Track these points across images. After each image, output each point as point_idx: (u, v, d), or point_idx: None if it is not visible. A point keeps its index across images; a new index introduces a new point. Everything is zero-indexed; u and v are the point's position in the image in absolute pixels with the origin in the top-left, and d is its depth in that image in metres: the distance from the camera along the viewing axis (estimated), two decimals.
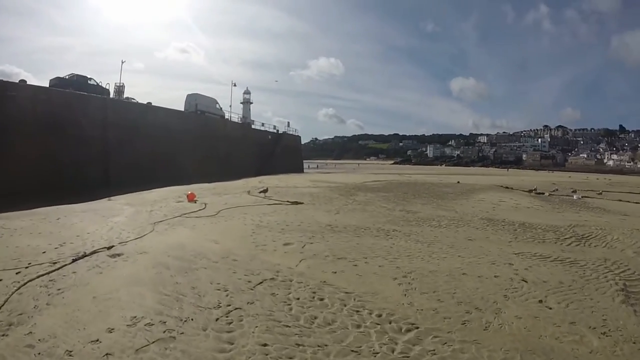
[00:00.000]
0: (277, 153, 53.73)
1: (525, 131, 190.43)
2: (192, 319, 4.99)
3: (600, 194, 25.28)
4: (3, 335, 4.57)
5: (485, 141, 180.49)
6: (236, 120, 49.96)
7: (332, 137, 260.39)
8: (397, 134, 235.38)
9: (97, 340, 4.44)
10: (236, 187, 23.17)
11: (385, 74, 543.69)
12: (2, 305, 5.36)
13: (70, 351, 4.22)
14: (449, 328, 4.95)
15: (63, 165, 24.67)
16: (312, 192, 19.98)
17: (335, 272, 7.01)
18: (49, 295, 5.78)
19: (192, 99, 42.94)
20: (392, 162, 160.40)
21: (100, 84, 32.92)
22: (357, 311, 5.37)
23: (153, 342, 4.42)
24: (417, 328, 4.92)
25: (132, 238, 9.60)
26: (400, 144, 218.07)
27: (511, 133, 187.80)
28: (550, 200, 20.97)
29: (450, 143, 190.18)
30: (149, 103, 36.16)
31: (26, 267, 7.01)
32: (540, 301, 5.94)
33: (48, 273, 6.71)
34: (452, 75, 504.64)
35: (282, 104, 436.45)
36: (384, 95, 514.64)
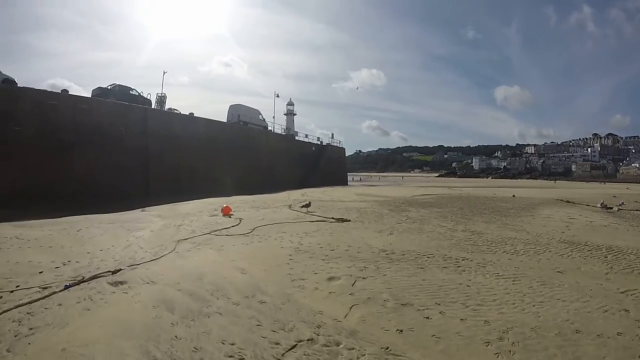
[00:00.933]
0: (320, 165, 51.91)
1: (573, 140, 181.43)
2: None
3: None
4: None
5: (533, 152, 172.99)
6: (279, 131, 48.53)
7: (376, 149, 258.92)
8: (441, 146, 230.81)
9: None
10: (277, 200, 21.38)
11: (426, 83, 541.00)
12: None
13: None
14: None
15: (102, 174, 24.14)
16: (359, 208, 17.89)
17: (402, 331, 4.81)
18: (15, 336, 4.43)
19: (235, 110, 41.94)
20: (437, 174, 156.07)
21: (141, 94, 32.39)
22: None
23: None
24: None
25: (146, 260, 8.08)
26: (445, 155, 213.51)
27: (559, 143, 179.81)
28: (623, 216, 18.26)
29: (496, 154, 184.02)
30: (191, 114, 35.30)
31: (11, 292, 5.88)
32: None
33: (30, 302, 5.43)
34: (494, 83, 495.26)
35: (324, 116, 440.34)
36: (427, 105, 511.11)
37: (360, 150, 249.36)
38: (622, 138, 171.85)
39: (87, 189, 22.51)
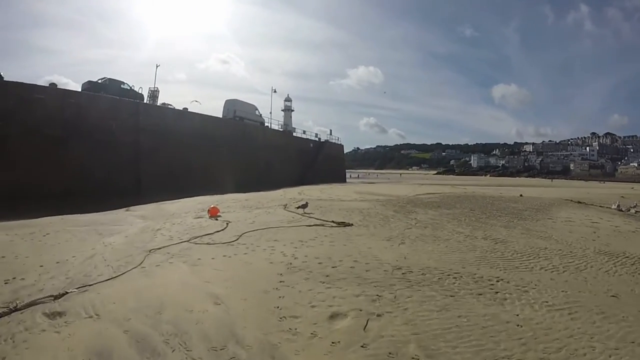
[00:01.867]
0: (318, 162, 50.35)
1: (572, 139, 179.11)
2: None
3: None
4: None
5: (531, 150, 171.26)
6: (276, 127, 46.79)
7: (374, 146, 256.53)
8: (439, 144, 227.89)
9: None
10: (272, 199, 19.58)
11: (425, 81, 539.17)
12: None
13: None
14: None
15: (91, 170, 23.46)
16: (361, 208, 16.07)
17: None
18: None
19: (231, 105, 40.56)
20: (435, 172, 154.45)
21: (133, 87, 31.23)
22: None
23: None
24: None
25: (103, 278, 6.53)
26: (443, 153, 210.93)
27: (557, 142, 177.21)
28: None
29: (494, 152, 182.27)
30: (185, 109, 33.84)
31: None
32: None
33: None
34: (493, 81, 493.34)
35: (322, 113, 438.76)
36: (425, 103, 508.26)
37: (358, 148, 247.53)
38: (620, 137, 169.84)
39: (75, 187, 21.74)
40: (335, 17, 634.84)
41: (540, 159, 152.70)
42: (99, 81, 29.47)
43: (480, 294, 6.05)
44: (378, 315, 4.93)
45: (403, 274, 6.84)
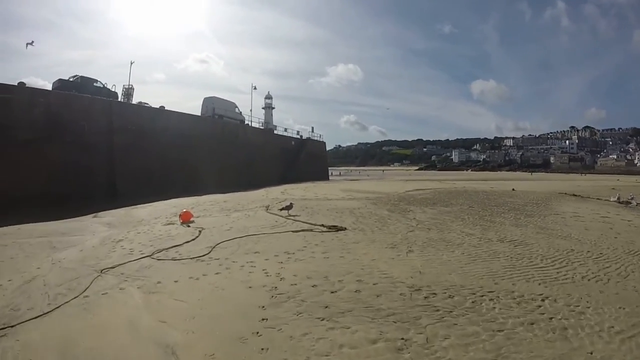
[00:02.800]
0: (301, 160, 48.46)
1: (551, 133, 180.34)
2: None
3: None
4: None
5: (512, 144, 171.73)
6: (257, 125, 44.89)
7: (356, 143, 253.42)
8: (420, 139, 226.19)
9: None
10: (253, 200, 17.85)
11: (405, 78, 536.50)
12: None
13: None
14: None
15: (61, 174, 21.43)
16: (351, 208, 14.45)
17: None
18: None
19: (209, 103, 38.56)
20: (417, 168, 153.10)
21: (106, 85, 29.20)
22: None
23: None
24: None
25: (31, 315, 5.00)
26: (424, 149, 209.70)
27: (537, 135, 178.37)
28: None
29: (475, 147, 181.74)
30: (162, 107, 31.76)
31: None
32: None
33: None
34: (472, 77, 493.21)
35: (303, 111, 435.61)
36: (405, 100, 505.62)
37: (339, 145, 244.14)
38: (599, 131, 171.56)
39: (44, 192, 19.66)
40: (315, 16, 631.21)
41: (520, 153, 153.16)
42: (71, 79, 27.51)
43: (533, 323, 4.52)
44: None
45: (425, 297, 5.20)
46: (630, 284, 6.18)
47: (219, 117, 37.78)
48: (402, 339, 3.97)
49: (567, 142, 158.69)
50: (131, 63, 35.35)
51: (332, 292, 5.33)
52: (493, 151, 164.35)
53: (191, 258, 7.43)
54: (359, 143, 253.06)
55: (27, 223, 12.58)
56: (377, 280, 5.88)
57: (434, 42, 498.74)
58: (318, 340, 3.94)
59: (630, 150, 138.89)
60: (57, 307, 5.16)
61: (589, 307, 5.05)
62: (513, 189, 26.23)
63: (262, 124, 47.04)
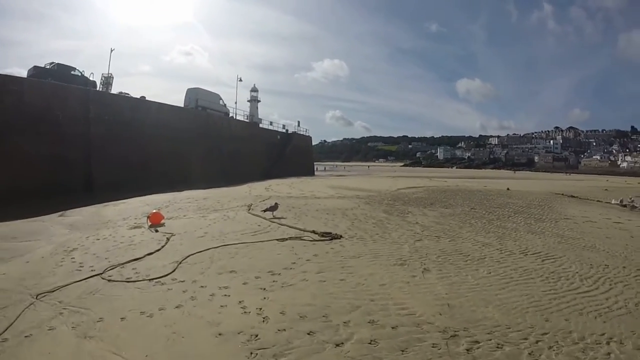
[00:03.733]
0: (286, 155, 46.78)
1: (536, 132, 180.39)
2: None
3: None
4: None
5: (496, 143, 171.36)
6: (242, 118, 43.04)
7: (341, 139, 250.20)
8: (405, 136, 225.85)
9: None
10: (235, 198, 16.22)
11: (391, 75, 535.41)
12: None
13: None
14: None
15: (33, 167, 19.57)
16: (343, 209, 12.92)
17: None
18: None
19: (192, 94, 36.51)
20: (402, 164, 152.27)
21: (83, 73, 27.02)
22: None
23: None
24: None
25: None
26: (410, 145, 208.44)
27: (522, 135, 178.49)
28: None
29: (460, 145, 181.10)
30: (142, 97, 29.92)
31: None
32: None
33: None
34: (457, 76, 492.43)
35: (288, 106, 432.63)
36: (391, 97, 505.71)
37: (325, 140, 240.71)
38: (583, 131, 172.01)
39: (13, 186, 18.02)
40: (304, 11, 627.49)
41: (505, 152, 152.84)
42: (46, 66, 25.61)
43: None
44: None
45: (468, 351, 3.65)
46: None
47: (202, 109, 35.85)
48: None
49: (552, 142, 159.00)
50: (111, 50, 33.19)
51: (336, 345, 3.71)
52: (478, 149, 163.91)
53: (149, 279, 5.78)
54: (344, 138, 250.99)
55: None
56: (396, 319, 4.29)
57: (421, 40, 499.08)
58: None
59: (614, 151, 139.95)
60: None
61: None
62: (508, 189, 24.97)
63: (247, 117, 45.22)
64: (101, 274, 6.14)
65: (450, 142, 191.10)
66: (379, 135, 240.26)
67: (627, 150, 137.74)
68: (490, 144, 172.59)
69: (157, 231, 9.21)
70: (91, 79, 27.63)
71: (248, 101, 48.36)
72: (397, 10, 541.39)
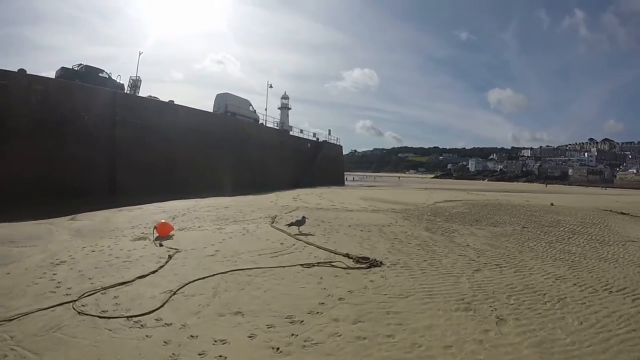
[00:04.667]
0: (316, 163, 45.48)
1: (570, 145, 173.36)
2: None
3: None
4: None
5: (529, 155, 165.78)
6: (272, 125, 41.88)
7: (371, 149, 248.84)
8: (437, 147, 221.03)
9: None
10: (259, 207, 14.74)
11: (421, 85, 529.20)
12: None
13: None
14: None
15: (58, 167, 19.65)
16: (379, 225, 11.21)
17: None
18: None
19: (222, 100, 35.82)
20: (433, 176, 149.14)
21: (110, 75, 26.71)
22: None
23: None
24: None
25: None
26: (440, 157, 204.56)
27: (555, 147, 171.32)
28: None
29: (492, 157, 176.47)
30: (171, 101, 29.23)
31: None
32: None
33: None
34: (489, 85, 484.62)
35: (319, 115, 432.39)
36: (421, 106, 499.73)
37: (355, 150, 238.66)
38: (618, 144, 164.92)
39: (38, 186, 18.09)
40: (334, 19, 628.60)
41: (538, 164, 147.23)
42: (74, 68, 25.26)
43: None
44: None
45: None
46: None
47: (231, 115, 35.04)
48: None
49: (586, 154, 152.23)
50: (140, 53, 32.99)
51: None
52: (510, 161, 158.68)
53: (127, 317, 4.25)
54: (374, 149, 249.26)
55: None
56: None
57: (451, 49, 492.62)
58: None
59: None
60: None
61: None
62: (552, 204, 22.72)
63: (278, 124, 44.04)
64: (75, 301, 4.78)
65: (482, 153, 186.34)
66: (409, 146, 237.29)
67: None
68: (523, 156, 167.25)
69: (161, 245, 7.77)
70: (119, 81, 27.30)
71: (278, 108, 47.50)
72: (427, 18, 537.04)
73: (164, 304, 4.65)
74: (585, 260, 8.11)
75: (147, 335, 3.84)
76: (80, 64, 25.70)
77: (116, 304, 4.70)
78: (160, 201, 16.29)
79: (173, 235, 8.80)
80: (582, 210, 20.01)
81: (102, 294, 5.04)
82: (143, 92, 29.44)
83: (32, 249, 7.88)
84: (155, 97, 29.05)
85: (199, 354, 3.48)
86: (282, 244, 8.09)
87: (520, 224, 13.48)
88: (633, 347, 3.93)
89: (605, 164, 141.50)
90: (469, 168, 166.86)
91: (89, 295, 4.96)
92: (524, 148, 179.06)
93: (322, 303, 4.74)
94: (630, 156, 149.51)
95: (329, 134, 53.01)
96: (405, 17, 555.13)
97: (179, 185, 23.79)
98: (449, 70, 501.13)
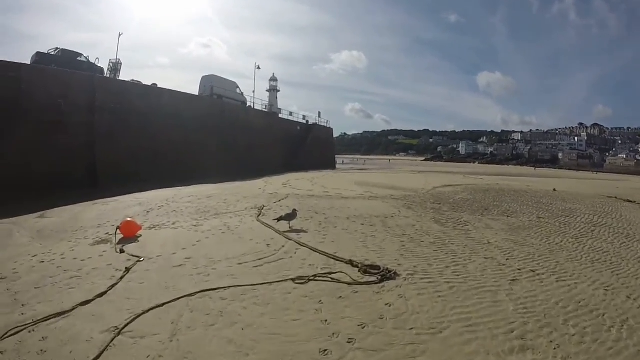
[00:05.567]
0: (306, 146, 43.90)
1: (560, 129, 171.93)
2: None
3: None
4: None
5: (519, 138, 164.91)
6: (260, 108, 40.22)
7: (361, 132, 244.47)
8: (427, 130, 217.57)
9: None
10: (246, 196, 13.31)
11: (410, 67, 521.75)
12: None
13: None
14: None
15: (33, 158, 18.24)
16: (381, 215, 9.84)
17: None
18: None
19: (207, 82, 33.98)
20: (423, 158, 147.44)
21: (88, 58, 25.19)
22: None
23: None
24: None
25: None
26: (431, 140, 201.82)
27: (545, 131, 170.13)
28: None
29: (482, 140, 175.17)
30: (154, 84, 27.98)
31: None
32: None
33: None
34: (478, 69, 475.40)
35: (307, 98, 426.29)
36: (410, 89, 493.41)
37: (345, 133, 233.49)
38: (608, 129, 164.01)
39: (11, 180, 16.53)
40: (321, 1, 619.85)
41: (528, 148, 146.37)
42: (50, 52, 23.85)
43: None
44: None
45: None
46: None
47: (217, 97, 33.30)
48: None
49: (576, 138, 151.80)
50: (119, 35, 31.18)
51: None
52: (501, 144, 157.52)
53: None
54: (364, 131, 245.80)
55: None
56: None
57: (440, 32, 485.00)
58: None
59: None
60: None
61: None
62: (554, 190, 21.52)
63: (266, 106, 42.36)
64: None
65: (472, 136, 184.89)
66: (399, 129, 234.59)
67: None
68: (514, 139, 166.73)
69: (122, 252, 6.31)
70: (98, 65, 25.72)
71: (267, 91, 45.78)
72: (416, 0, 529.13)
73: (101, 354, 3.22)
74: (624, 262, 6.83)
75: None
76: (57, 48, 24.22)
77: (41, 350, 3.30)
78: (142, 191, 14.96)
79: (140, 236, 7.35)
80: (587, 197, 18.83)
81: (29, 331, 3.63)
82: (128, 78, 27.66)
83: None
84: (138, 82, 27.44)
85: None
86: (268, 245, 6.64)
87: (532, 213, 12.26)
88: None
89: (595, 149, 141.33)
90: (459, 151, 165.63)
91: (11, 334, 3.56)
92: (514, 131, 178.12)
93: (325, 351, 3.28)
94: (619, 141, 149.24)
95: (319, 116, 51.36)
96: None
97: (164, 172, 22.28)
98: (437, 53, 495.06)
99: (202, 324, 3.74)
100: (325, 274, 5.16)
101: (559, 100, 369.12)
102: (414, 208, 11.65)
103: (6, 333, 3.59)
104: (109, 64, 27.99)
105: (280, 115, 43.53)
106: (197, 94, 32.99)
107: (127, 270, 5.29)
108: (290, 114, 46.17)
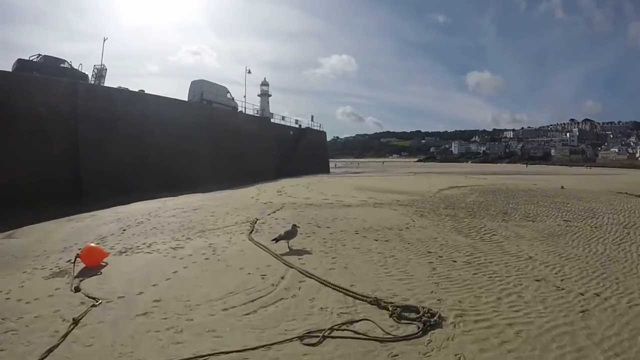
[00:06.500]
0: (300, 151, 42.72)
1: (551, 125, 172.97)
2: None
3: None
4: None
5: (511, 136, 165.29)
6: (252, 113, 38.98)
7: (354, 135, 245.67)
8: (419, 131, 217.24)
9: None
10: (236, 208, 11.93)
11: (400, 70, 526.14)
12: None
13: None
14: None
15: (12, 169, 17.26)
16: (393, 226, 8.52)
17: None
18: None
19: (197, 87, 32.81)
20: (416, 159, 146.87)
21: (71, 64, 24.04)
22: None
23: None
24: None
25: None
26: (423, 140, 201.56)
27: (537, 128, 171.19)
28: None
29: (474, 139, 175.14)
30: (141, 91, 26.66)
31: None
32: None
33: None
34: (467, 69, 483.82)
35: (298, 103, 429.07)
36: (400, 91, 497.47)
37: (337, 137, 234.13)
38: (599, 124, 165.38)
39: None
40: (310, 6, 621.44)
41: (521, 145, 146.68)
42: (33, 59, 22.70)
43: None
44: None
45: None
46: None
47: (207, 103, 32.19)
48: None
49: (568, 134, 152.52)
50: (104, 40, 29.55)
51: None
52: (493, 143, 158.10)
53: None
54: (357, 134, 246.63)
55: None
56: None
57: (428, 33, 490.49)
58: None
59: (631, 143, 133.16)
60: None
61: None
62: (562, 187, 20.38)
63: (258, 111, 41.03)
64: None
65: (464, 136, 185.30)
66: (391, 131, 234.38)
67: None
68: (506, 137, 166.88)
69: (77, 290, 4.87)
70: (82, 71, 24.48)
71: (258, 95, 44.56)
72: (403, 2, 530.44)
73: None
74: None
75: None
76: (39, 55, 23.10)
77: None
78: (125, 204, 13.79)
79: (104, 264, 5.92)
80: (598, 194, 17.80)
81: None
82: (116, 86, 26.37)
83: None
84: (125, 88, 26.08)
85: None
86: (263, 277, 5.17)
87: (555, 215, 11.03)
88: None
89: (587, 144, 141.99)
90: (452, 151, 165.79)
91: None
92: (505, 130, 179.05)
93: None
94: (611, 135, 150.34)
95: (312, 120, 50.11)
96: (382, 1, 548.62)
97: (152, 181, 21.10)
98: (426, 54, 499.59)
99: None
100: (344, 323, 3.71)
101: (549, 97, 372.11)
102: (427, 215, 10.32)
103: None
104: (94, 70, 26.71)
105: (272, 120, 42.29)
106: (186, 99, 31.83)
107: (75, 322, 3.86)
108: (283, 118, 44.98)
